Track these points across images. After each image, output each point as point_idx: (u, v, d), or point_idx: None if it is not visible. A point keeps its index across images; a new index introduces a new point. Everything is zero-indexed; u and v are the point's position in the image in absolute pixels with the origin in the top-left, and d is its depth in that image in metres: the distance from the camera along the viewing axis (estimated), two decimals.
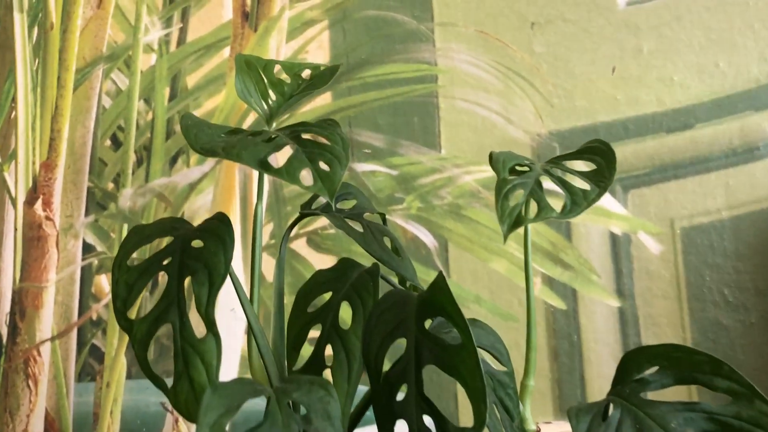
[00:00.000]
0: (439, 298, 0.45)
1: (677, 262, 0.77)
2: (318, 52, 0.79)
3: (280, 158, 0.51)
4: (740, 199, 0.77)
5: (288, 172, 0.42)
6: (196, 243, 0.47)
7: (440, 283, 0.45)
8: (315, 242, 0.79)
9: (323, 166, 0.43)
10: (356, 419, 0.50)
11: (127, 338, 0.77)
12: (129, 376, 0.76)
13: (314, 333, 0.55)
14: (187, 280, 0.47)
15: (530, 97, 0.78)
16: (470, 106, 0.78)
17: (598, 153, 0.50)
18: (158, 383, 0.45)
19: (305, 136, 0.46)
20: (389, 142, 0.78)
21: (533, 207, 0.47)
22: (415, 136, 0.78)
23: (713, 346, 0.74)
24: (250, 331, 0.50)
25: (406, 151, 0.78)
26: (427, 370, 0.44)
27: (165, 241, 0.49)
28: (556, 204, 0.47)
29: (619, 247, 0.77)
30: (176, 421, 0.75)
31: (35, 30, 0.79)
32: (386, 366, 0.47)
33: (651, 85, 0.79)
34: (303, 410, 0.40)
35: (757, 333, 0.76)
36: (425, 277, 0.73)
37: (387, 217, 0.61)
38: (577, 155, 0.52)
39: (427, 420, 0.44)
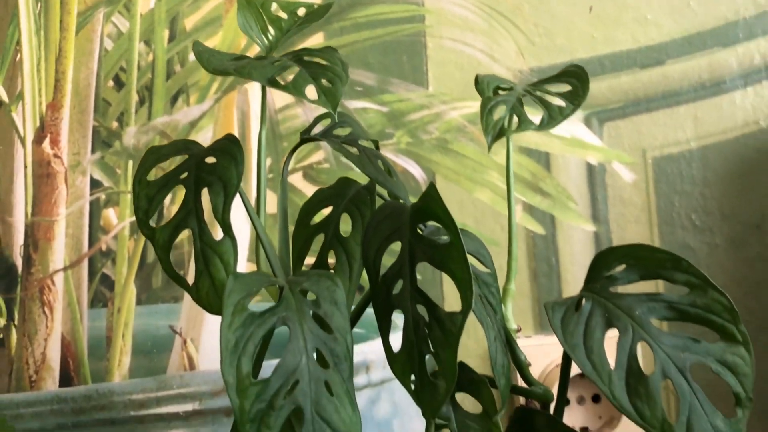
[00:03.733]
0: (431, 204, 0.50)
1: (649, 189, 0.82)
2: None
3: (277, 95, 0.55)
4: (708, 130, 0.83)
5: (295, 87, 0.47)
6: (210, 159, 0.52)
7: (431, 192, 0.50)
8: (311, 176, 0.84)
9: (326, 83, 0.47)
10: (356, 317, 0.56)
11: (135, 267, 0.82)
12: (139, 302, 0.81)
13: (315, 259, 0.60)
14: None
15: (513, 36, 0.83)
16: (456, 45, 0.83)
17: (573, 75, 0.55)
18: (180, 282, 0.50)
19: (307, 58, 0.50)
20: (379, 80, 0.83)
21: (515, 122, 0.52)
22: (404, 74, 0.83)
23: None
24: (258, 241, 0.55)
25: (396, 88, 0.83)
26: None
27: (178, 159, 0.54)
28: (536, 119, 0.52)
29: (594, 176, 0.82)
30: (184, 342, 0.81)
31: None
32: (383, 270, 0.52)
33: (626, 24, 0.83)
34: (312, 297, 0.46)
35: (721, 254, 0.82)
36: None
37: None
38: (555, 79, 0.56)
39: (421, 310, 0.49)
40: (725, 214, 0.82)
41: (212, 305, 0.48)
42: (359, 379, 0.81)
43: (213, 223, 0.50)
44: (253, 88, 0.83)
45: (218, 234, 0.49)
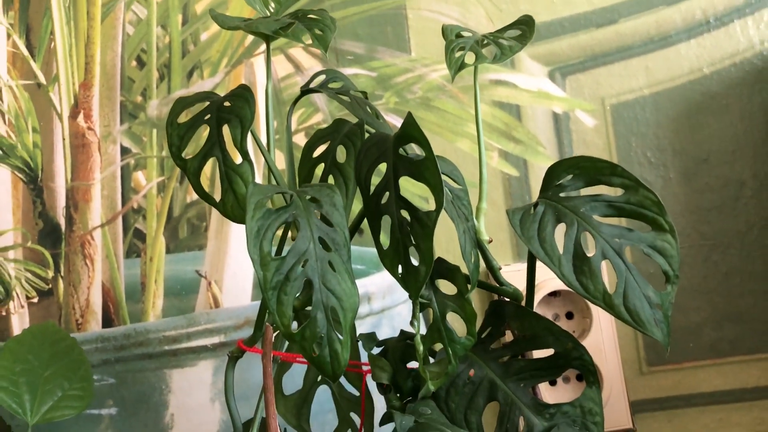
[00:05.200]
0: (409, 129, 0.61)
1: (608, 132, 0.94)
2: None
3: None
4: (658, 78, 0.94)
5: (294, 35, 0.58)
6: (227, 103, 0.64)
7: (410, 119, 0.61)
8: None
9: (318, 31, 0.59)
10: (354, 228, 0.67)
11: (164, 221, 0.93)
12: (168, 251, 0.93)
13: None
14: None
15: (482, 5, 0.94)
16: (433, 15, 0.94)
17: (523, 23, 0.67)
18: (209, 200, 0.61)
19: (302, 15, 0.62)
20: (368, 48, 0.94)
21: (473, 59, 0.63)
22: (389, 43, 0.94)
23: None
24: (269, 172, 0.66)
25: (382, 55, 0.95)
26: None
27: (202, 106, 0.65)
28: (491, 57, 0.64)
29: (560, 123, 0.94)
30: (209, 284, 0.92)
31: None
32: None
33: None
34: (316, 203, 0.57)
35: (675, 186, 0.93)
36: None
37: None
38: (508, 27, 0.68)
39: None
40: (676, 151, 0.93)
41: (236, 215, 0.59)
42: (362, 309, 0.92)
43: (233, 152, 0.61)
44: (258, 62, 0.95)
45: (238, 159, 0.61)
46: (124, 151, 0.94)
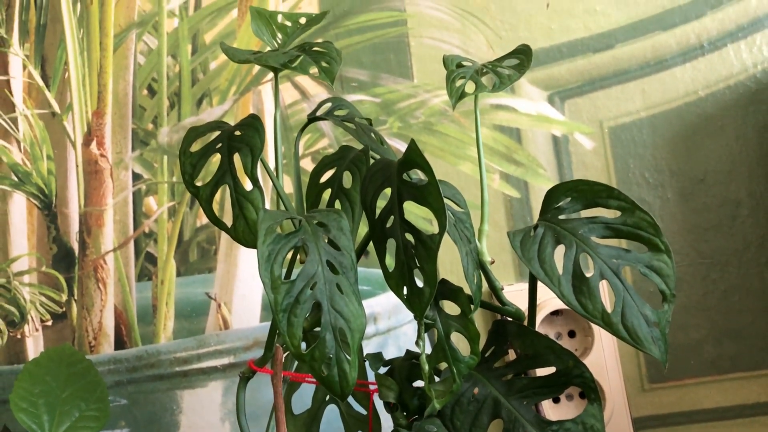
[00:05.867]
0: (412, 155, 0.63)
1: (606, 154, 0.96)
2: (309, 7, 0.98)
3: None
4: (654, 101, 0.97)
5: (301, 67, 0.61)
6: (237, 132, 0.66)
7: (412, 146, 0.64)
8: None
9: (324, 64, 0.62)
10: (360, 251, 0.69)
11: (174, 245, 0.96)
12: (178, 275, 0.95)
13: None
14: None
15: (482, 32, 0.97)
16: (435, 43, 0.97)
17: (521, 52, 0.69)
18: (221, 225, 0.64)
19: (309, 48, 0.65)
20: (372, 75, 0.97)
21: (473, 88, 0.66)
22: (392, 70, 0.97)
23: None
24: (278, 198, 0.69)
25: (386, 82, 0.97)
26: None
27: (213, 135, 0.68)
28: (490, 85, 0.66)
29: (559, 146, 0.96)
30: (218, 306, 0.95)
31: (78, 5, 0.98)
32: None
33: (579, 16, 0.98)
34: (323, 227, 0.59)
35: (672, 205, 0.96)
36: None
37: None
38: (507, 56, 0.70)
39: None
40: (674, 171, 0.95)
41: (248, 240, 0.62)
42: (368, 329, 0.94)
43: (244, 179, 0.64)
44: (266, 90, 0.98)
45: (248, 186, 0.63)
46: (136, 177, 0.96)
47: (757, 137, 0.95)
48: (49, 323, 0.94)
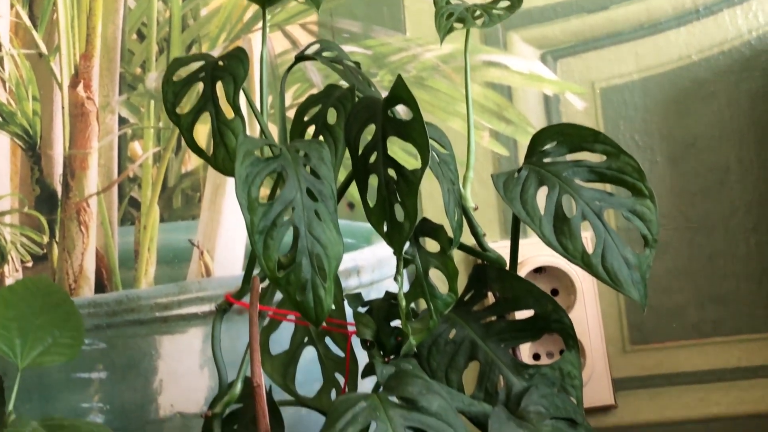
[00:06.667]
0: (399, 91, 0.63)
1: (597, 115, 0.95)
2: None
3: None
4: (647, 64, 0.96)
5: None
6: (221, 63, 0.65)
7: (399, 81, 0.63)
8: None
9: None
10: (341, 192, 0.68)
11: (158, 190, 0.95)
12: (162, 220, 0.94)
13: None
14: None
15: None
16: None
17: None
18: (202, 154, 0.63)
19: None
20: (364, 27, 0.96)
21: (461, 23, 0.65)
22: (385, 23, 0.96)
23: None
24: (261, 133, 0.68)
25: (378, 34, 0.96)
26: None
27: (197, 65, 0.67)
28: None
29: (550, 105, 0.96)
30: (201, 253, 0.94)
31: None
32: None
33: None
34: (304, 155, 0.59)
35: (661, 169, 0.95)
36: None
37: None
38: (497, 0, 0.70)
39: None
40: (664, 135, 0.95)
41: (227, 168, 0.61)
42: (351, 281, 0.94)
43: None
44: (256, 37, 0.97)
45: (231, 116, 0.63)
46: (122, 121, 0.95)
47: (748, 104, 0.94)
48: (30, 264, 0.93)
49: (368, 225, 0.95)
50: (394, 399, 0.55)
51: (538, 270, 0.91)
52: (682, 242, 0.93)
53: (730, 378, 0.90)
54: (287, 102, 0.96)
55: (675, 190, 0.94)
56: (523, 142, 0.95)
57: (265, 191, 0.66)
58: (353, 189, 0.98)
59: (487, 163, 0.95)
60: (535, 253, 0.91)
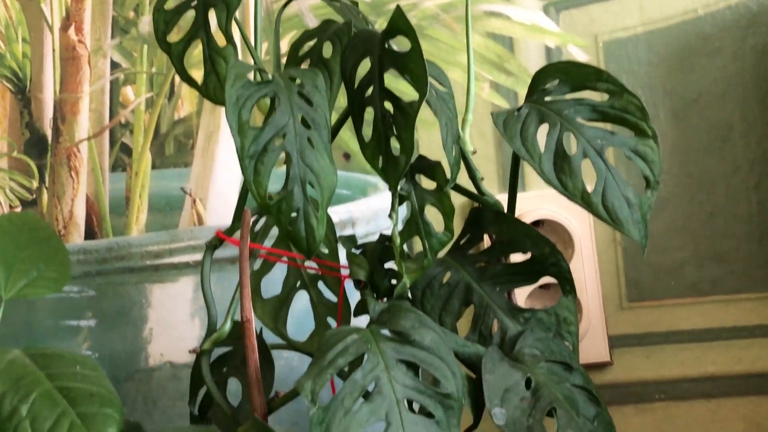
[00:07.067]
0: (398, 22, 0.61)
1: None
2: None
3: None
4: (652, 17, 0.94)
5: None
6: None
7: (398, 11, 0.61)
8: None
9: None
10: (337, 127, 0.67)
11: (150, 137, 0.93)
12: (153, 167, 0.93)
13: None
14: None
15: None
16: None
17: None
18: (192, 83, 0.61)
19: None
20: None
21: None
22: None
23: None
24: (255, 64, 0.66)
25: None
26: None
27: None
28: None
29: (552, 57, 0.94)
30: (193, 201, 0.92)
31: None
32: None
33: None
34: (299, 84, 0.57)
35: (664, 124, 0.93)
36: None
37: None
38: None
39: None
40: (667, 91, 0.93)
41: (218, 97, 0.59)
42: (346, 233, 0.92)
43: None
44: None
45: (222, 43, 0.61)
46: (114, 65, 0.93)
47: (754, 60, 0.92)
48: (18, 209, 0.92)
49: (364, 176, 0.94)
50: (387, 332, 0.54)
51: (536, 224, 0.89)
52: (682, 199, 0.92)
53: (728, 337, 0.89)
54: (282, 50, 0.94)
55: (677, 146, 0.93)
56: (524, 94, 0.93)
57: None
58: (349, 139, 0.96)
59: (487, 116, 0.93)
60: (533, 206, 0.89)
